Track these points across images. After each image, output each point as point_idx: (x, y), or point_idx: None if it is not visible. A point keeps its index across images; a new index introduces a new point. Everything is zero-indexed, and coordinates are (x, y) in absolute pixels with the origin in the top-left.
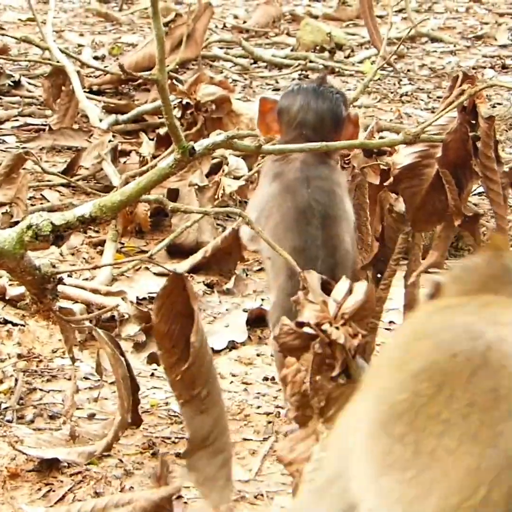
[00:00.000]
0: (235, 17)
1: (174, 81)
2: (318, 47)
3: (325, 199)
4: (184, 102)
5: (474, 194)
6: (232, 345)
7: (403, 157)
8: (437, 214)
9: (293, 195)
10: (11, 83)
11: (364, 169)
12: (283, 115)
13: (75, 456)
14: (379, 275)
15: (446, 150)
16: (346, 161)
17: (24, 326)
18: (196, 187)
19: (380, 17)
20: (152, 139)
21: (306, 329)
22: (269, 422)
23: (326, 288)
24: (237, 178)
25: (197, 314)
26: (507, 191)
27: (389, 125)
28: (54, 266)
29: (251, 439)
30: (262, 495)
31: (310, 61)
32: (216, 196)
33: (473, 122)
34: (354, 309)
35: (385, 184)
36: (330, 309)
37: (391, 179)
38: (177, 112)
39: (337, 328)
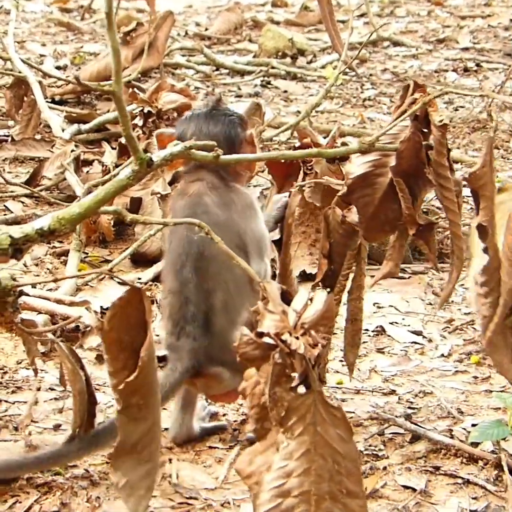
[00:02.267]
0: (197, 24)
1: (135, 89)
2: (280, 53)
3: (203, 239)
4: (145, 110)
5: (431, 203)
6: None
7: (356, 166)
8: (390, 223)
9: (175, 235)
10: None
11: (321, 181)
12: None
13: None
14: (328, 290)
15: (400, 159)
16: (309, 167)
17: None
18: (159, 195)
19: (342, 22)
20: (114, 148)
21: (266, 339)
22: (235, 430)
23: (286, 298)
24: None
25: (150, 327)
26: (460, 198)
27: (352, 130)
28: (14, 279)
29: (217, 447)
30: (228, 503)
31: (272, 67)
32: None
33: (426, 130)
34: (314, 319)
35: (338, 194)
36: (290, 319)
37: (345, 189)
38: (139, 120)
39: (297, 338)
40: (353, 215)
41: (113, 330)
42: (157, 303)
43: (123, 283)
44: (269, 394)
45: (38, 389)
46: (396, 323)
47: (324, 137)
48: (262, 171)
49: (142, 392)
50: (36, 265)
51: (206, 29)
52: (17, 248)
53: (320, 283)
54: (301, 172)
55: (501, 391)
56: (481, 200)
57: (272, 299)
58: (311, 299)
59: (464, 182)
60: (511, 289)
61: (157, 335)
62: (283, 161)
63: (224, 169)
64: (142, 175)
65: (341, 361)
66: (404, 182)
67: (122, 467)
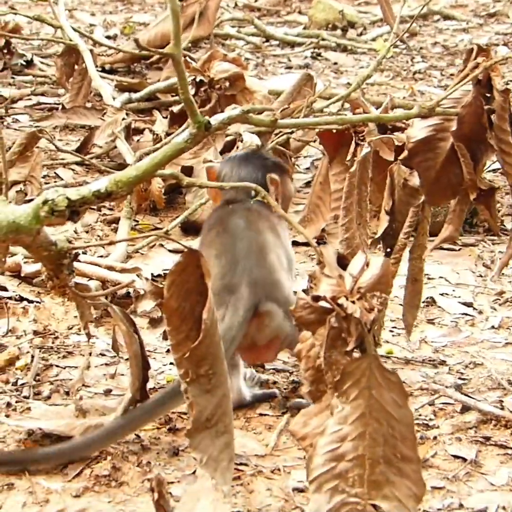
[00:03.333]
0: None
1: (187, 58)
2: (330, 25)
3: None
4: (197, 79)
5: (489, 171)
6: None
7: (418, 130)
8: (452, 188)
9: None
10: (24, 63)
11: (371, 143)
12: (218, 181)
13: (67, 428)
14: (389, 249)
15: (461, 124)
16: (360, 137)
17: (39, 303)
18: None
19: None
20: (166, 117)
21: (322, 303)
22: (286, 398)
23: (342, 263)
24: None
25: (210, 292)
26: None
27: (403, 103)
28: (70, 242)
29: (267, 414)
30: (278, 469)
31: (322, 39)
32: None
33: (488, 95)
34: (370, 283)
35: (399, 158)
36: (346, 284)
37: (406, 152)
38: (190, 89)
39: (353, 302)
40: (415, 179)
41: (173, 297)
42: None
43: (177, 249)
44: (324, 357)
45: (90, 354)
46: (447, 294)
47: (376, 109)
48: (314, 141)
49: (210, 360)
50: (87, 232)
51: (256, 0)
52: (74, 210)
53: (380, 240)
54: (353, 142)
55: None
56: None
57: (328, 263)
58: (368, 264)
59: None
60: None
61: None
62: (334, 131)
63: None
64: (200, 138)
65: (391, 331)
66: (466, 146)
67: (202, 444)
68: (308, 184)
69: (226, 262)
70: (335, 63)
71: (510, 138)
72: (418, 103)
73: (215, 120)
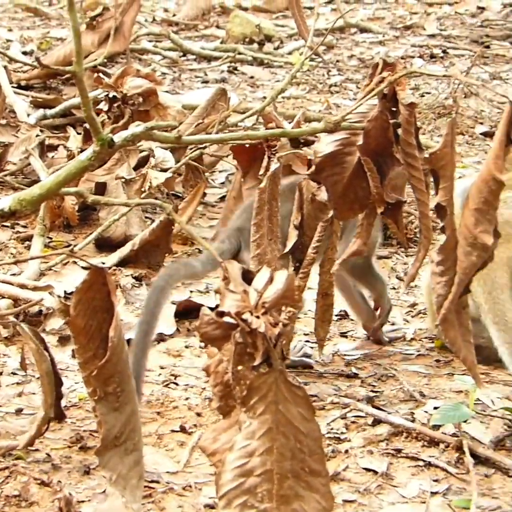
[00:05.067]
0: (166, 10)
1: (101, 74)
2: (247, 39)
3: None
4: (110, 95)
5: None
6: (160, 338)
7: (325, 145)
8: (360, 202)
9: None
10: None
11: (280, 158)
12: None
13: None
14: (298, 264)
15: (367, 138)
16: (273, 152)
17: None
18: (123, 180)
19: (310, 8)
20: (80, 133)
21: (226, 319)
22: (198, 414)
23: (248, 278)
24: (164, 170)
25: (116, 309)
26: (428, 177)
27: (318, 116)
28: None
29: (179, 431)
30: (190, 486)
31: (239, 53)
32: (142, 189)
33: (394, 109)
34: (275, 298)
35: (306, 172)
36: (251, 298)
37: (313, 167)
38: (104, 105)
39: (257, 317)
40: (323, 194)
41: (79, 316)
42: (121, 287)
43: (86, 266)
44: (232, 372)
45: (0, 374)
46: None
47: (289, 122)
48: (227, 156)
49: (117, 378)
50: (0, 249)
51: (174, 15)
52: None
53: (290, 255)
54: (266, 157)
55: (463, 374)
56: (441, 180)
57: (233, 278)
58: (272, 279)
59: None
60: (467, 268)
61: (121, 320)
62: (247, 146)
63: None
64: (103, 155)
65: (307, 342)
66: (372, 160)
67: (111, 462)
68: (222, 198)
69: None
70: (252, 77)
71: (416, 151)
72: (325, 117)
73: (118, 137)
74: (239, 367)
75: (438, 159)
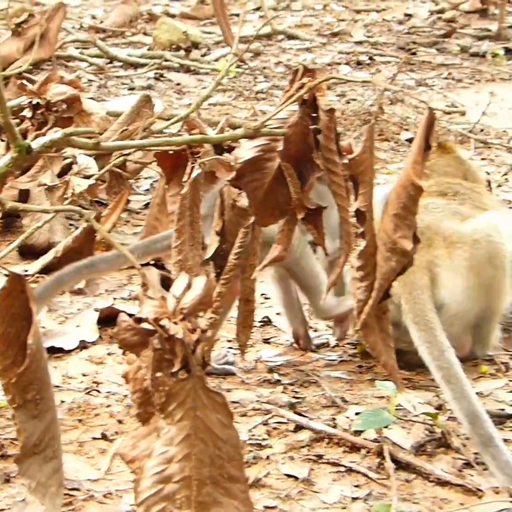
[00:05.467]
0: (93, 17)
1: (24, 81)
2: (174, 46)
3: None
4: (34, 102)
5: None
6: (83, 345)
7: (245, 151)
8: (280, 208)
9: None
10: None
11: (202, 164)
12: None
13: None
14: (219, 270)
15: (288, 144)
16: (197, 158)
17: None
18: (46, 187)
19: (238, 15)
20: (3, 140)
21: (144, 325)
22: (119, 421)
23: (168, 284)
24: (87, 177)
25: (35, 316)
26: (349, 183)
27: (243, 122)
28: None
29: (101, 438)
30: (111, 493)
31: (166, 60)
32: (65, 196)
33: (315, 115)
34: (193, 304)
35: (227, 178)
36: (169, 305)
37: (233, 173)
38: (27, 112)
39: (175, 323)
40: (243, 200)
41: None
42: None
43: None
44: (151, 379)
45: None
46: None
47: (214, 129)
48: (151, 163)
49: (36, 385)
50: None
51: (102, 22)
52: None
53: (211, 261)
54: (189, 163)
55: (385, 380)
56: (360, 186)
57: (151, 285)
58: (190, 285)
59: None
60: (386, 273)
61: (43, 327)
62: (171, 152)
63: None
64: (21, 162)
65: (230, 348)
66: (293, 166)
67: (30, 469)
68: (147, 205)
69: None
70: (178, 84)
71: (336, 157)
72: (245, 123)
73: (36, 144)
74: (158, 374)
75: (357, 164)
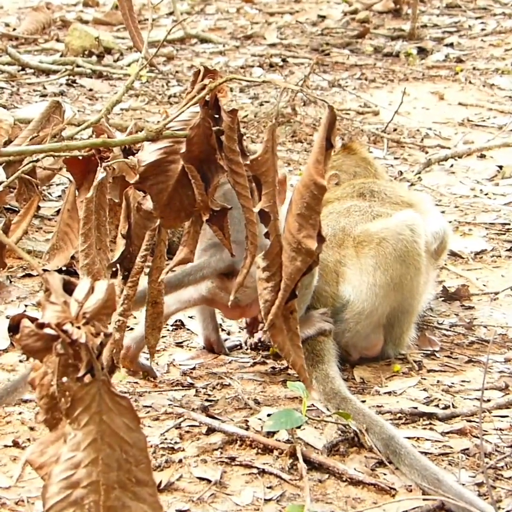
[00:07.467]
0: (7, 25)
1: None
2: (86, 52)
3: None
4: None
5: None
6: None
7: (148, 154)
8: (185, 210)
9: None
10: None
11: (107, 168)
12: None
13: None
14: (126, 273)
15: (190, 145)
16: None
17: None
18: None
19: (153, 19)
20: None
21: (47, 330)
22: (31, 428)
23: (69, 289)
24: None
25: None
26: (253, 183)
27: (145, 125)
28: None
29: (12, 446)
30: (23, 501)
31: (78, 66)
32: None
33: (217, 116)
34: (95, 308)
35: (131, 181)
36: (72, 309)
37: (137, 176)
38: None
39: (78, 327)
40: (148, 202)
41: None
42: None
43: None
44: (57, 384)
45: None
46: (195, 317)
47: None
48: (61, 169)
49: None
50: None
51: (14, 29)
52: None
53: (118, 265)
54: (99, 168)
55: (297, 381)
56: (263, 186)
57: (54, 289)
58: (93, 289)
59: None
60: (292, 273)
61: None
62: (80, 158)
63: None
64: None
65: (144, 352)
66: (196, 168)
67: None
68: (59, 211)
69: None
70: (90, 90)
71: (239, 158)
72: (146, 126)
73: None
74: (64, 379)
75: (260, 165)
